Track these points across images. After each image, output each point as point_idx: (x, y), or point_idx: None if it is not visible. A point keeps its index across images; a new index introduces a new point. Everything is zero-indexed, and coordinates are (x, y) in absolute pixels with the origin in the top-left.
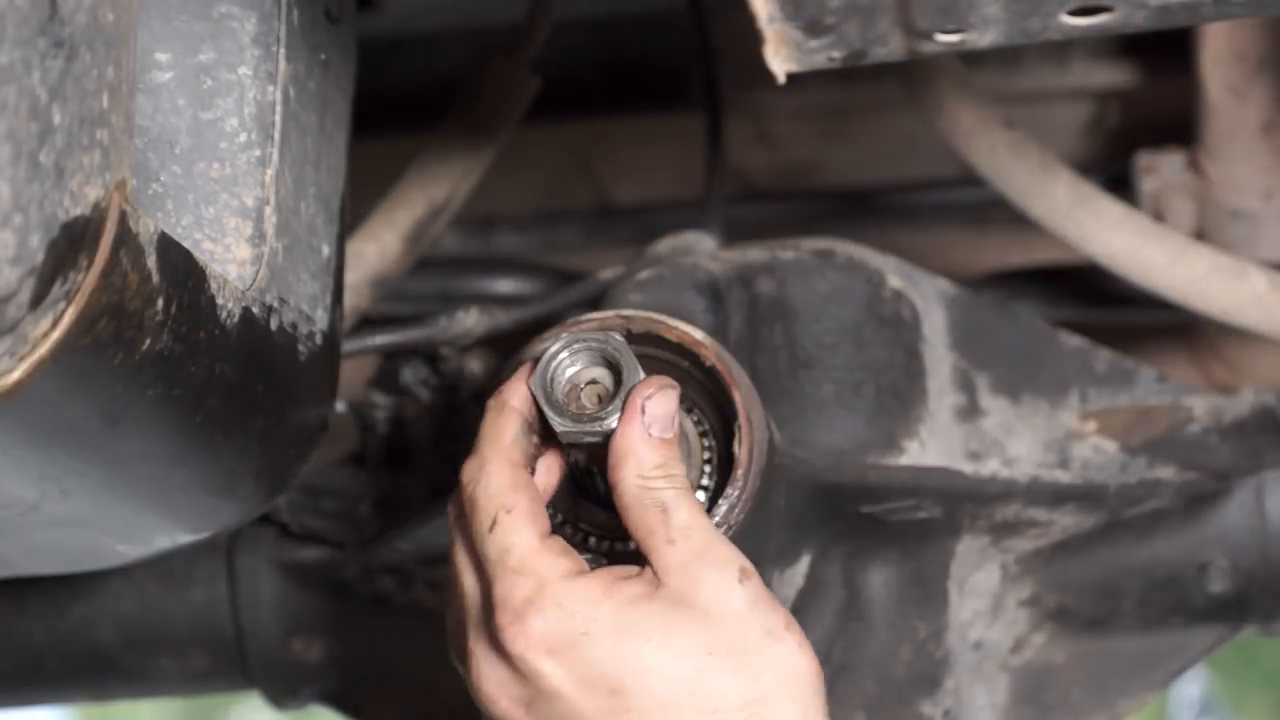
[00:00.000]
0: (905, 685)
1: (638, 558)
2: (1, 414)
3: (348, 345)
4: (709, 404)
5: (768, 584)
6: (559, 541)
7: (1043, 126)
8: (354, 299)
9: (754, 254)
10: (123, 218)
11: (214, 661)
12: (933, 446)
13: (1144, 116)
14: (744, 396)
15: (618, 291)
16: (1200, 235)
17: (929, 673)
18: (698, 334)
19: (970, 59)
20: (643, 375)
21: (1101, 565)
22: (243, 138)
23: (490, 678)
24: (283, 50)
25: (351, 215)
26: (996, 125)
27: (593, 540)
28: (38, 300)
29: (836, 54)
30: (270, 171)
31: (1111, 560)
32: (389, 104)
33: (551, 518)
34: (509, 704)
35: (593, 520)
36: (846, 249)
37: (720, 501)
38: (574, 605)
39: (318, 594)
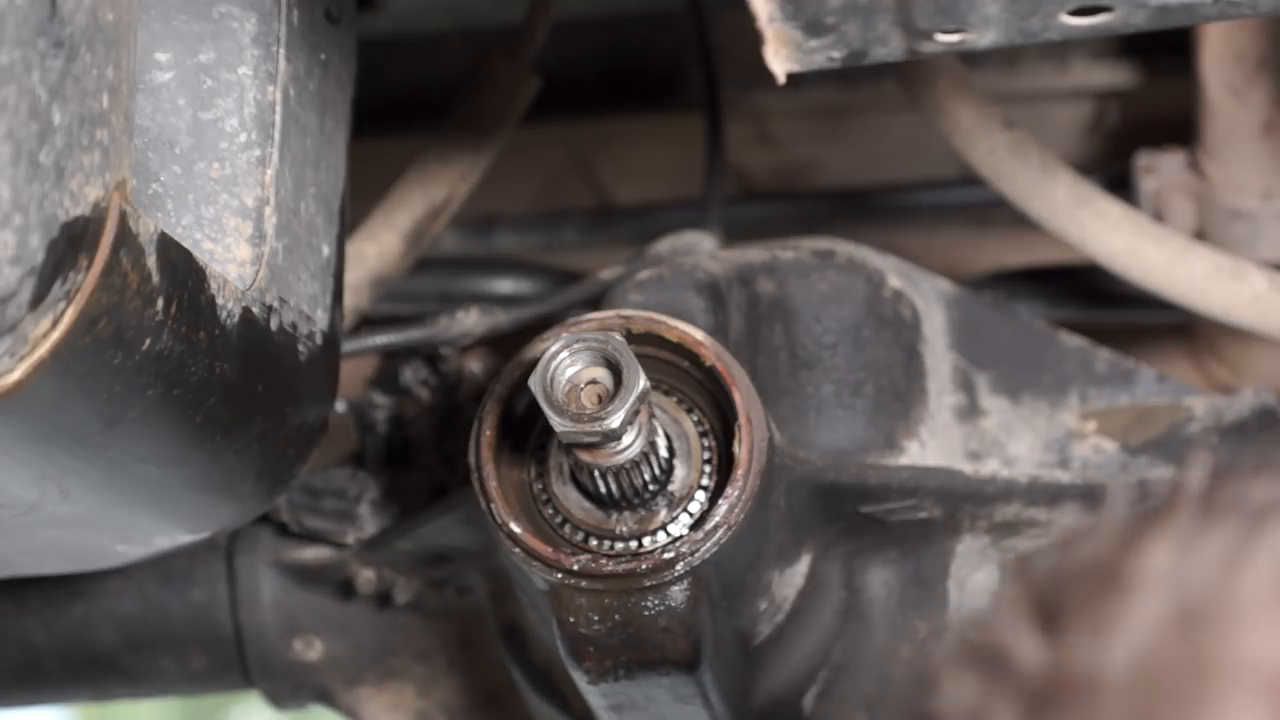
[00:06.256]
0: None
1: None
2: (1, 414)
3: (348, 345)
4: (709, 404)
5: (768, 584)
6: None
7: (1043, 126)
8: (354, 299)
9: (754, 254)
10: (123, 218)
11: (214, 661)
12: (933, 446)
13: (1144, 116)
14: (744, 396)
15: (618, 291)
16: (1200, 235)
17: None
18: (698, 334)
19: (970, 59)
20: (643, 375)
21: None
22: (243, 138)
23: None
24: (283, 50)
25: (351, 215)
26: (996, 125)
27: (592, 540)
28: (38, 300)
29: (836, 54)
30: (270, 171)
31: None
32: (389, 104)
33: (551, 518)
34: None
35: (591, 520)
36: (846, 249)
37: (720, 501)
38: None
39: (318, 594)
